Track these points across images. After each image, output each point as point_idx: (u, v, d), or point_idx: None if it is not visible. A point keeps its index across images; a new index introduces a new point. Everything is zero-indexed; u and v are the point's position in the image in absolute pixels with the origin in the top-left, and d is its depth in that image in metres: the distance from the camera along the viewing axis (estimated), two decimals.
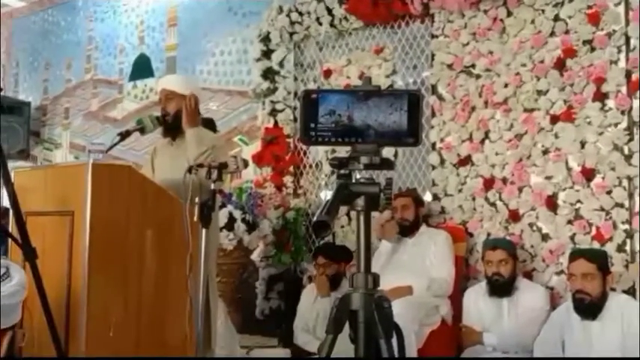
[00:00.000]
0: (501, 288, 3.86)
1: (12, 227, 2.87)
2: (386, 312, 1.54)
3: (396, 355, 1.52)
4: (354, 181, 1.62)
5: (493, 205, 4.37)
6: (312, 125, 1.61)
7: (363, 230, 1.60)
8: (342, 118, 1.60)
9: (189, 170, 3.04)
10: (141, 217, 3.13)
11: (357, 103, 1.61)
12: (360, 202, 1.59)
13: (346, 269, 4.60)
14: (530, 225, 4.21)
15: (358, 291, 1.60)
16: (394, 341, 1.54)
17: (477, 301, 3.96)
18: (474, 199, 4.45)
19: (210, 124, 3.71)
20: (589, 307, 3.41)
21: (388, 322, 1.53)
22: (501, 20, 4.41)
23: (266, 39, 5.54)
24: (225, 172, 3.10)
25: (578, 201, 4.04)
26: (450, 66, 4.62)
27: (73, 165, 3.50)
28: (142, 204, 3.15)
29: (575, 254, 3.58)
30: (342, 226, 5.02)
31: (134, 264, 3.10)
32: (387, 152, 4.23)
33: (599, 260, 3.50)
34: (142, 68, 6.90)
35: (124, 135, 3.50)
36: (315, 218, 1.44)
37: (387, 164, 1.62)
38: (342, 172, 1.60)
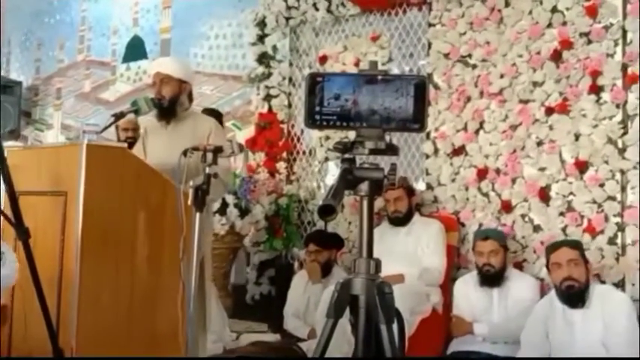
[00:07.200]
0: (492, 278, 3.86)
1: (4, 206, 2.84)
2: (387, 297, 1.54)
3: (397, 339, 1.52)
4: (357, 165, 1.61)
5: (486, 195, 4.38)
6: (317, 109, 1.59)
7: (366, 216, 1.59)
8: (347, 103, 1.59)
9: (185, 153, 3.03)
10: (134, 199, 3.11)
11: (362, 88, 1.59)
12: (364, 187, 1.58)
13: (337, 256, 4.62)
14: (522, 216, 4.23)
15: (360, 276, 1.60)
16: (394, 326, 1.54)
17: (467, 291, 3.96)
18: (467, 189, 4.46)
19: (215, 115, 3.69)
20: (578, 295, 3.40)
21: (389, 308, 1.53)
22: (499, 10, 4.40)
23: (262, 23, 5.51)
24: (220, 156, 3.08)
25: (571, 193, 4.06)
26: (446, 55, 4.61)
27: (67, 145, 3.44)
28: (135, 186, 3.12)
29: (556, 245, 3.59)
30: None
31: (127, 246, 3.08)
32: None
33: (580, 248, 3.55)
34: (136, 50, 6.85)
35: (119, 116, 3.46)
36: (321, 202, 1.43)
37: (392, 149, 1.61)
38: (347, 156, 1.59)
